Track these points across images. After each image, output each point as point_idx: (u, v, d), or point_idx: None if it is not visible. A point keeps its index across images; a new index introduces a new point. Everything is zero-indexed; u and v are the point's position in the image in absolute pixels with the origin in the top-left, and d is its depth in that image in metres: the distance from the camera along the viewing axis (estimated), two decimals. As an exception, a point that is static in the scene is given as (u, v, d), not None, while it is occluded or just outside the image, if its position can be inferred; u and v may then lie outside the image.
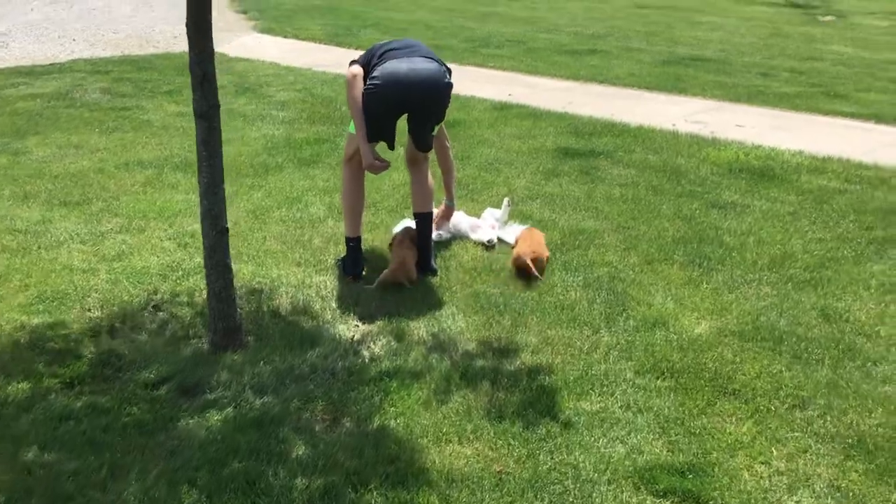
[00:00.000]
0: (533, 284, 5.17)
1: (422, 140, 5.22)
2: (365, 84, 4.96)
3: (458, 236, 5.94)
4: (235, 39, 15.81)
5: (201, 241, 4.34)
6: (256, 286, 5.12)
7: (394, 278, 5.16)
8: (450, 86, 4.89)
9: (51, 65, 12.66)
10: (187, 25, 4.06)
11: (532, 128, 9.00)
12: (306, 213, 6.32)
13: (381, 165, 5.08)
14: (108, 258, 5.44)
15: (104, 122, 9.06)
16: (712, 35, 16.13)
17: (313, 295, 5.05)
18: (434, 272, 5.32)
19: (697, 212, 6.50)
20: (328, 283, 5.21)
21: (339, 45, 15.28)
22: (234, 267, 5.20)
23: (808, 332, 4.64)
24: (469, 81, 11.65)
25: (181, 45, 14.62)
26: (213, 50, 4.09)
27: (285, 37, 16.22)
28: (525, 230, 5.86)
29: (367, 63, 5.09)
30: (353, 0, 20.58)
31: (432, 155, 5.62)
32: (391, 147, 5.26)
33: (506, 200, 6.03)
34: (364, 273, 5.27)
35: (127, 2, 19.94)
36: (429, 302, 5.00)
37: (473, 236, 5.89)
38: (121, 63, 12.88)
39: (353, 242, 5.32)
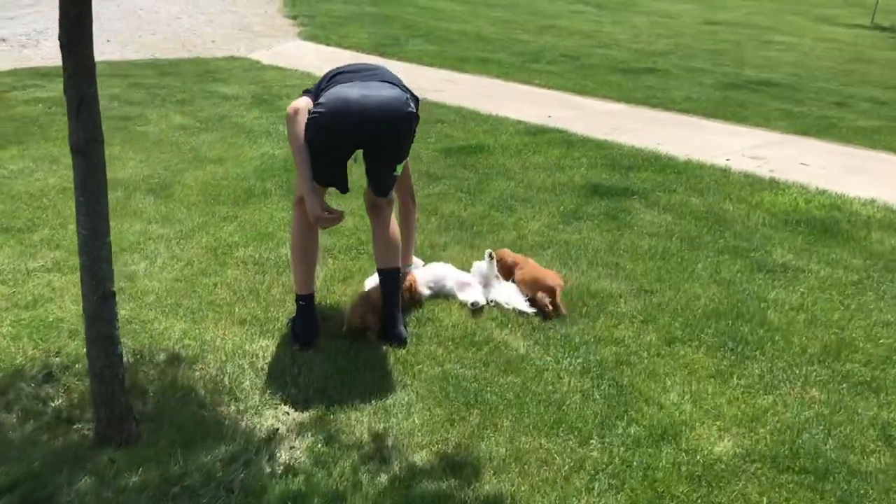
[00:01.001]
0: (517, 365, 4.13)
1: (378, 182, 4.26)
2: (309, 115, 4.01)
3: (444, 294, 4.91)
4: (276, 45, 15.12)
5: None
6: (180, 352, 4.22)
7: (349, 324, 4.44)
8: (413, 116, 3.96)
9: (72, 66, 12.00)
10: (59, 37, 3.15)
11: (563, 158, 7.94)
12: (274, 254, 5.39)
13: (331, 218, 4.12)
14: (21, 304, 4.61)
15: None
16: (784, 56, 14.80)
17: (245, 367, 4.13)
18: (402, 341, 4.33)
19: (739, 275, 5.38)
20: (270, 350, 4.28)
21: (382, 55, 14.43)
22: (166, 322, 4.36)
23: (863, 463, 3.52)
24: (507, 100, 10.68)
25: (218, 49, 13.96)
26: (92, 67, 3.17)
27: (328, 44, 15.43)
28: (520, 267, 5.04)
29: (317, 92, 4.15)
30: (408, 9, 19.77)
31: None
32: (342, 190, 4.29)
33: (487, 254, 5.01)
34: (318, 340, 4.30)
35: (177, 3, 19.45)
36: (384, 384, 4.03)
37: (460, 296, 4.87)
38: (145, 67, 12.23)
39: (305, 301, 4.38)
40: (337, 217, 4.17)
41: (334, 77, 4.18)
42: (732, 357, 4.40)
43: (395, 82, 4.19)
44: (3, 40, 13.99)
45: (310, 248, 4.41)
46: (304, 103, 4.10)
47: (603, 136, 8.91)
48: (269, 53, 14.17)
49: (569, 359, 4.34)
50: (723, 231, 6.18)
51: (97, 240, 3.35)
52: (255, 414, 3.81)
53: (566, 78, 12.64)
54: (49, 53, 13.02)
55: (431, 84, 11.71)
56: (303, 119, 4.03)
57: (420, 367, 4.22)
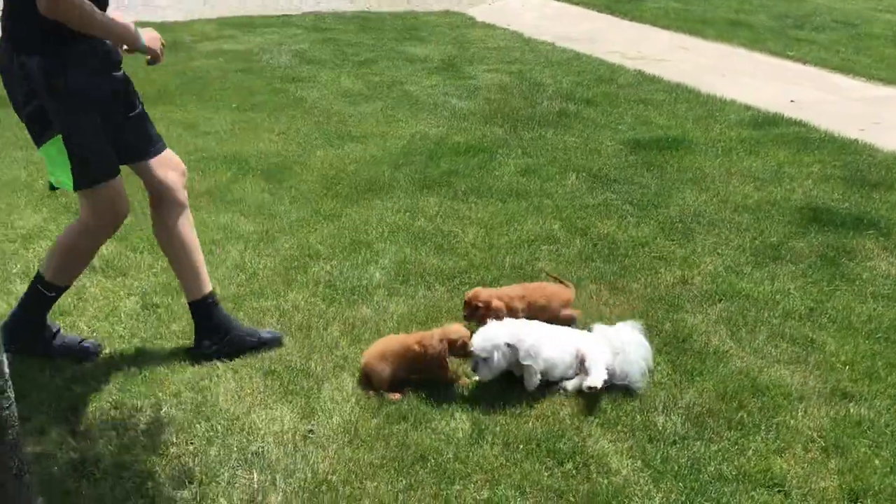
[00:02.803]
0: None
1: None
2: None
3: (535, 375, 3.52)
4: (500, 0, 13.92)
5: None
6: (165, 415, 3.23)
7: None
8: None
9: (280, 16, 11.62)
10: None
11: (787, 163, 6.12)
12: (357, 274, 4.31)
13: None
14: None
15: (254, 94, 7.68)
16: None
17: (234, 456, 3.04)
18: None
19: None
20: (284, 440, 3.16)
21: (613, 12, 12.84)
22: (174, 366, 3.40)
23: None
24: (743, 76, 8.79)
25: (437, 2, 12.99)
26: None
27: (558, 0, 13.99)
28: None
29: None
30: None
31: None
32: None
33: (629, 326, 3.56)
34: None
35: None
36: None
37: (570, 383, 3.47)
38: (350, 20, 11.56)
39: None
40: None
41: None
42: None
43: None
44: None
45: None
46: None
47: (855, 133, 6.87)
48: (488, 9, 13.01)
49: (688, 502, 2.85)
50: None
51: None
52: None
53: (831, 50, 10.35)
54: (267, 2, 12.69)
55: (656, 51, 10.01)
56: None
57: (463, 483, 2.92)
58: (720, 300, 4.22)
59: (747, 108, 7.64)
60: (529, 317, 3.73)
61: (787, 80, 8.97)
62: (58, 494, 2.82)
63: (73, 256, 3.44)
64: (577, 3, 13.80)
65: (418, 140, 6.48)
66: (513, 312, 3.74)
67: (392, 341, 3.57)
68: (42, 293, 3.48)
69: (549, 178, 5.74)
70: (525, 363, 3.38)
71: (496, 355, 3.36)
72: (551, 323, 3.70)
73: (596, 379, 3.37)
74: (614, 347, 3.50)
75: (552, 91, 8.01)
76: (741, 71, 9.33)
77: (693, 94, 8.08)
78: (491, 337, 3.38)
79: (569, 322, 3.84)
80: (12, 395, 2.52)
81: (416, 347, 3.47)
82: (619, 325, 3.67)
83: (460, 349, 3.45)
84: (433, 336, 3.48)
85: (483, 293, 3.77)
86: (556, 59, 9.52)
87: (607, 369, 3.43)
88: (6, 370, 2.46)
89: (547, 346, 3.47)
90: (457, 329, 3.51)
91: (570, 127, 6.92)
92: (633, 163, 6.11)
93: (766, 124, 7.13)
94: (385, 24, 11.35)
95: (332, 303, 4.10)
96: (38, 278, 3.47)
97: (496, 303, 3.73)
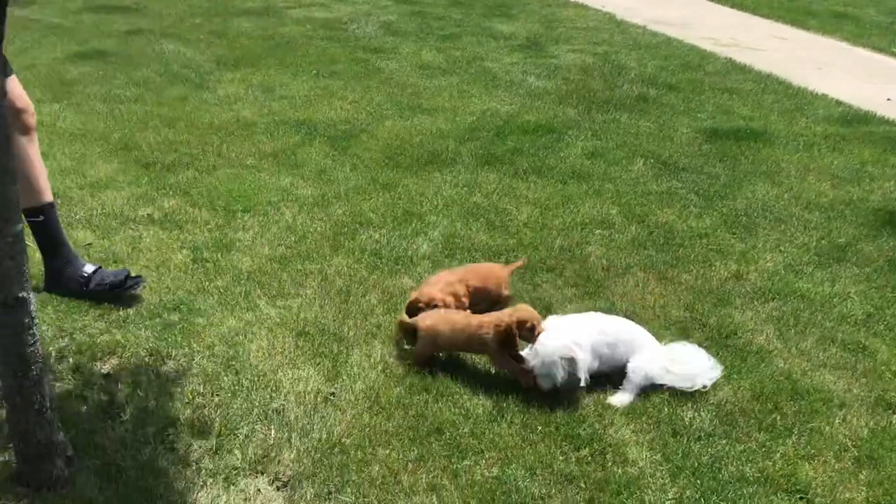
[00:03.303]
0: None
1: None
2: None
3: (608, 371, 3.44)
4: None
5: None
6: (196, 365, 3.32)
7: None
8: None
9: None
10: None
11: (871, 163, 5.85)
12: (404, 244, 4.32)
13: None
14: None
15: (335, 62, 7.77)
16: None
17: (259, 409, 3.12)
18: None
19: None
20: (314, 394, 3.22)
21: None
22: (215, 318, 3.50)
23: None
24: (841, 71, 8.42)
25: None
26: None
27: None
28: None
29: None
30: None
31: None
32: None
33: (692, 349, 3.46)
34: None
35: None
36: (404, 480, 2.81)
37: (668, 377, 3.38)
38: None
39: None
40: None
41: None
42: None
43: None
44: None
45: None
46: None
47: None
48: (584, -11, 12.75)
49: (702, 500, 2.78)
50: None
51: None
52: (228, 484, 2.79)
53: (942, 49, 9.77)
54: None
55: (752, 40, 9.66)
56: None
57: (475, 458, 2.92)
58: (773, 298, 4.06)
59: (838, 103, 7.31)
60: (473, 300, 3.66)
61: (887, 78, 8.54)
62: (82, 433, 2.92)
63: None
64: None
65: (488, 116, 6.43)
66: (456, 298, 3.65)
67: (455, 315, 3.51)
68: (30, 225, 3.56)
69: (614, 163, 5.62)
70: (580, 376, 3.28)
71: (557, 372, 3.27)
72: (493, 303, 3.64)
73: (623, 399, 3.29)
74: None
75: (634, 75, 7.83)
76: (839, 65, 8.92)
77: (783, 86, 7.77)
78: (548, 353, 3.29)
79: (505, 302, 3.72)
80: (38, 332, 2.62)
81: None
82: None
83: (528, 331, 3.34)
84: (501, 316, 3.38)
85: (422, 295, 3.62)
86: (645, 43, 9.29)
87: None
88: (32, 308, 2.57)
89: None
90: (526, 310, 3.39)
91: (646, 112, 6.76)
92: (706, 152, 5.92)
93: (856, 122, 6.80)
94: (476, 0, 11.26)
95: (375, 270, 4.12)
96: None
97: (438, 298, 3.61)
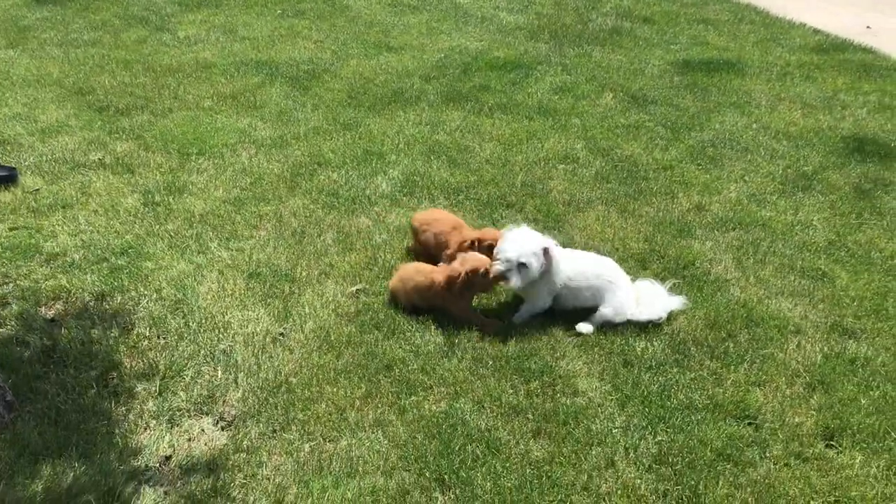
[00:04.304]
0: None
1: None
2: None
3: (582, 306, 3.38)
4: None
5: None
6: (145, 309, 3.27)
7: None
8: None
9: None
10: None
11: (844, 90, 5.75)
12: (362, 184, 4.25)
13: None
14: (29, 208, 3.89)
15: (301, 0, 7.51)
16: None
17: (202, 352, 3.07)
18: None
19: None
20: (257, 334, 3.18)
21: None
22: (166, 261, 3.49)
23: None
24: (824, 1, 8.19)
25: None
26: None
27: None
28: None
29: None
30: None
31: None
32: None
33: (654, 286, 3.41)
34: None
35: None
36: (353, 414, 2.78)
37: (631, 313, 3.34)
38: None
39: None
40: None
41: None
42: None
43: None
44: None
45: None
46: None
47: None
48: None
49: (649, 427, 2.75)
50: None
51: None
52: (172, 425, 2.76)
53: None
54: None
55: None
56: None
57: (424, 394, 2.89)
58: (734, 228, 4.01)
59: (816, 32, 7.17)
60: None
61: (868, 6, 8.36)
62: (23, 378, 2.88)
63: None
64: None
65: (456, 53, 6.30)
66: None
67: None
68: None
69: (583, 97, 5.52)
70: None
71: (534, 261, 3.20)
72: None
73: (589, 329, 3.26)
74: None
75: (610, 7, 7.66)
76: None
77: (761, 15, 7.62)
78: (525, 243, 3.21)
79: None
80: (-36, 275, 2.55)
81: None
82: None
83: (483, 277, 3.24)
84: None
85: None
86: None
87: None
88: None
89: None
90: (476, 258, 3.29)
91: (619, 45, 6.62)
92: (676, 84, 5.81)
93: (832, 50, 6.67)
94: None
95: (332, 210, 4.06)
96: None
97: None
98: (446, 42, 6.58)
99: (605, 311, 3.24)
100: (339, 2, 7.57)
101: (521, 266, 3.16)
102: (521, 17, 7.29)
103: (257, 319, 3.27)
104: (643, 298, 3.33)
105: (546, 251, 3.18)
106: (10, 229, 3.74)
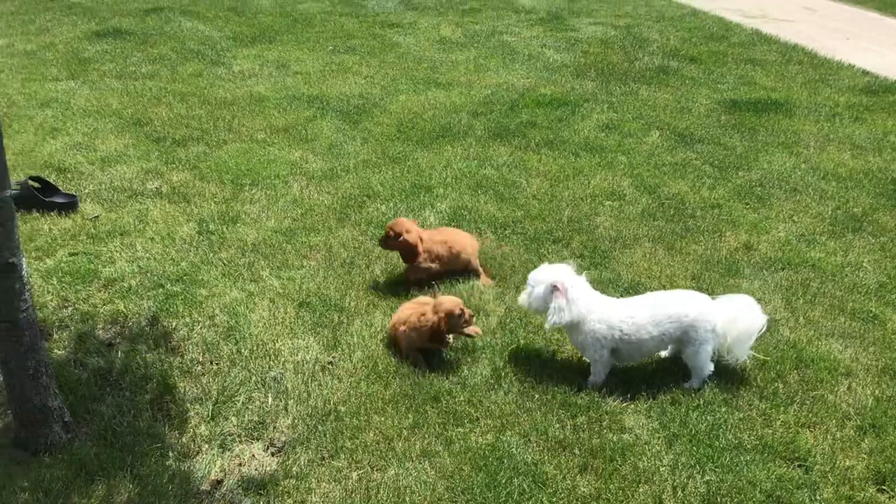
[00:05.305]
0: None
1: None
2: None
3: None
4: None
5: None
6: (197, 334, 3.34)
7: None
8: None
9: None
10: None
11: (894, 132, 5.67)
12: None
13: None
14: (88, 234, 4.01)
15: (351, 37, 7.72)
16: None
17: (257, 378, 3.13)
18: None
19: None
20: (308, 364, 3.23)
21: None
22: (221, 287, 3.52)
23: None
24: (871, 42, 8.33)
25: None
26: None
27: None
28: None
29: None
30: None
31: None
32: None
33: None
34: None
35: None
36: (395, 449, 2.81)
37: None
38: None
39: None
40: None
41: None
42: None
43: None
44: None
45: None
46: None
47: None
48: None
49: (697, 466, 2.74)
50: None
51: (-13, 193, 2.50)
52: (223, 449, 2.82)
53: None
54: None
55: (780, 11, 9.50)
56: None
57: (470, 426, 2.91)
58: (783, 268, 3.99)
59: (865, 73, 7.14)
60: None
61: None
62: (80, 399, 2.96)
63: None
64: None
65: (503, 90, 6.38)
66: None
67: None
68: None
69: (629, 135, 5.55)
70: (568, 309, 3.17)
71: (540, 290, 3.19)
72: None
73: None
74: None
75: (656, 47, 7.71)
76: (868, 36, 8.71)
77: (808, 56, 7.61)
78: (542, 271, 3.22)
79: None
80: (30, 298, 2.65)
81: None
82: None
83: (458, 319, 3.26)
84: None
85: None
86: (670, 15, 9.15)
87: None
88: (23, 274, 2.59)
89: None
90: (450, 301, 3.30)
91: (666, 84, 6.66)
92: (724, 123, 5.82)
93: (882, 91, 6.64)
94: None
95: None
96: None
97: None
98: (493, 79, 6.67)
99: (695, 370, 3.16)
100: (388, 39, 7.71)
101: (533, 289, 3.17)
102: (567, 56, 7.36)
103: (307, 347, 3.32)
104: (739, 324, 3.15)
105: (555, 288, 3.14)
106: (71, 255, 3.85)
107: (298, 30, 7.87)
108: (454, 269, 3.79)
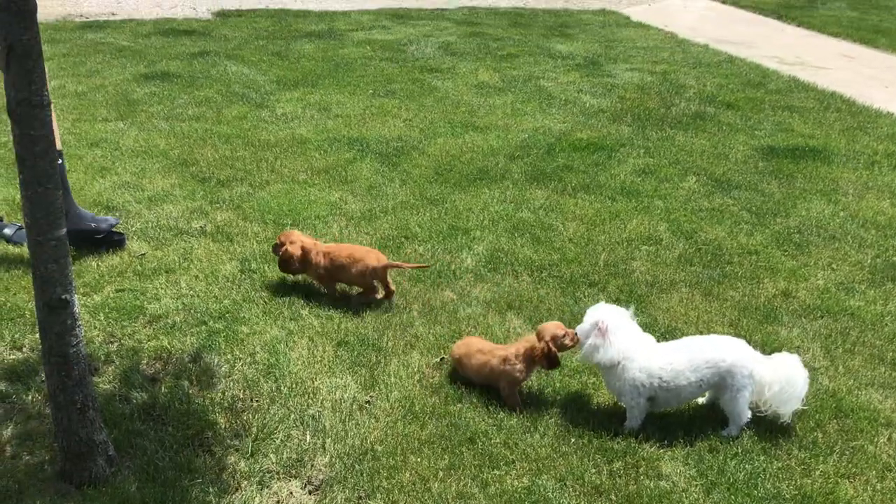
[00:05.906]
0: None
1: None
2: None
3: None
4: (662, 1, 13.60)
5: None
6: (238, 372, 3.40)
7: None
8: None
9: (435, 9, 11.88)
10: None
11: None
12: (448, 258, 4.36)
13: None
14: (135, 271, 4.12)
15: (391, 81, 7.86)
16: None
17: (296, 416, 3.18)
18: None
19: None
20: (346, 399, 3.28)
21: (781, 17, 12.27)
22: (260, 325, 3.59)
23: None
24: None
25: (601, 0, 12.89)
26: (28, 7, 2.38)
27: (724, 2, 13.53)
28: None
29: None
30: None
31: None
32: None
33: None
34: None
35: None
36: (434, 488, 2.83)
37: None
38: (502, 16, 11.65)
39: None
40: None
41: None
42: None
43: None
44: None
45: None
46: None
47: None
48: (647, 9, 12.75)
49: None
50: None
51: (42, 234, 2.60)
52: (262, 486, 2.86)
53: None
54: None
55: (818, 58, 9.50)
56: None
57: (506, 468, 2.92)
58: (822, 316, 3.97)
59: (905, 121, 7.11)
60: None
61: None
62: (124, 433, 3.02)
63: None
64: (744, 7, 13.29)
65: (540, 134, 6.45)
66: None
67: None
68: None
69: (666, 180, 5.58)
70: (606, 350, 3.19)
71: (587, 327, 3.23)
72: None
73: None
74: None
75: (693, 93, 7.75)
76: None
77: (847, 104, 7.60)
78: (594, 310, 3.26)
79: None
80: (81, 333, 2.73)
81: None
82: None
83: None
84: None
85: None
86: (706, 61, 9.20)
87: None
88: (75, 310, 2.68)
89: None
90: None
91: (703, 130, 6.69)
92: (761, 170, 5.83)
93: (923, 140, 6.60)
94: (537, 21, 11.33)
95: (418, 283, 4.17)
96: None
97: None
98: (530, 123, 6.75)
99: (732, 416, 3.16)
100: (427, 83, 7.85)
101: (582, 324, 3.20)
102: (603, 101, 7.43)
103: (345, 386, 3.36)
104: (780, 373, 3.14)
105: (597, 326, 3.16)
106: (117, 291, 3.95)
107: (340, 74, 8.02)
108: (352, 281, 3.98)
